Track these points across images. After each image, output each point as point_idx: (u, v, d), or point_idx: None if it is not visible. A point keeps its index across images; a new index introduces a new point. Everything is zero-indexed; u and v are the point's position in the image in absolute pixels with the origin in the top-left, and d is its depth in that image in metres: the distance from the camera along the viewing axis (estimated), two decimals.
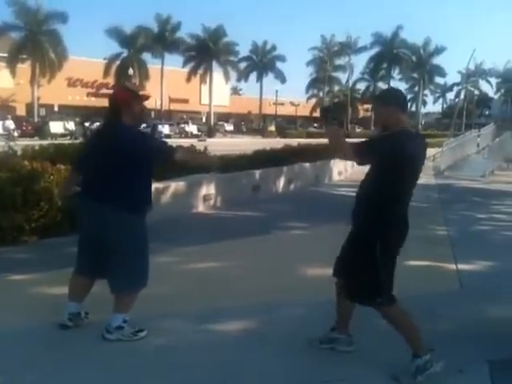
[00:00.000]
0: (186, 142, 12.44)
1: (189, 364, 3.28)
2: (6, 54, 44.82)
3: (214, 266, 5.43)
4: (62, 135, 34.85)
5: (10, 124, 33.36)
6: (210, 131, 49.88)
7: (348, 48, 69.33)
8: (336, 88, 75.17)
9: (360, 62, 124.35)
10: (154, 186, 7.56)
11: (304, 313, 4.17)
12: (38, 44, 44.38)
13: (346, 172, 15.08)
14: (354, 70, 72.25)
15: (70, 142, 11.08)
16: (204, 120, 60.54)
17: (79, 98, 55.35)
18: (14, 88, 47.76)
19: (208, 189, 8.87)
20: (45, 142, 9.48)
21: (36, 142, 10.64)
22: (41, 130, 36.25)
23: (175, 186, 8.03)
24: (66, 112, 47.80)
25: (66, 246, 5.87)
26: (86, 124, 37.60)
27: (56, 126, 36.91)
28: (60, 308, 3.82)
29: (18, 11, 44.29)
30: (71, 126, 37.67)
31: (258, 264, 5.46)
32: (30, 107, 47.20)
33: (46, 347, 3.45)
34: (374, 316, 3.28)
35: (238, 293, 4.54)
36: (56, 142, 9.81)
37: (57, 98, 51.23)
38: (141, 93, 3.61)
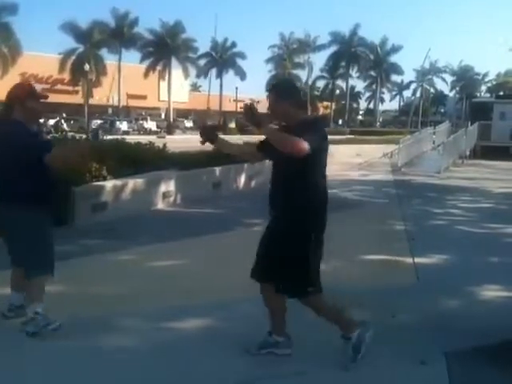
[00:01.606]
0: (144, 139, 12.25)
1: (145, 363, 3.22)
2: None
3: (173, 264, 5.36)
4: None
5: None
6: (169, 128, 49.34)
7: (307, 46, 69.92)
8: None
9: (319, 60, 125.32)
10: (113, 182, 7.53)
11: (262, 311, 4.13)
12: None
13: None
14: (314, 67, 72.85)
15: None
16: (163, 116, 59.88)
17: None
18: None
19: (167, 186, 8.76)
20: None
21: None
22: None
23: (134, 183, 7.90)
24: None
25: None
26: (41, 120, 36.73)
27: None
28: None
29: None
30: None
31: (218, 261, 5.41)
32: None
33: None
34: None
35: (197, 291, 4.48)
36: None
37: None
38: (37, 91, 3.66)
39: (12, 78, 47.05)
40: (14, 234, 3.63)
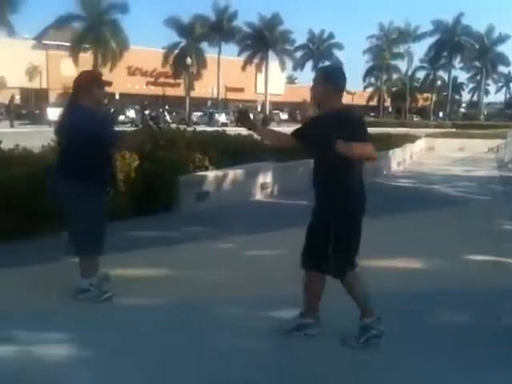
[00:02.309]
0: (241, 131, 12.49)
1: (239, 347, 3.34)
2: (69, 44, 46.40)
3: (271, 253, 5.44)
4: (123, 122, 35.77)
5: None
6: (265, 120, 49.81)
7: (407, 35, 67.51)
8: (394, 76, 73.47)
9: (419, 50, 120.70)
10: (215, 173, 7.80)
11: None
12: (99, 34, 45.60)
13: (404, 163, 14.78)
14: (414, 58, 70.23)
15: (132, 128, 11.35)
16: (259, 109, 60.59)
17: (139, 86, 56.64)
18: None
19: (265, 177, 8.92)
20: None
21: None
22: None
23: (234, 173, 8.13)
24: (127, 100, 48.99)
25: (129, 229, 6.13)
26: (146, 112, 38.56)
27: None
28: (120, 290, 4.10)
29: (81, 2, 45.62)
30: (132, 113, 38.57)
31: None
32: None
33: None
34: None
35: (295, 281, 4.52)
36: (124, 129, 10.05)
37: (118, 86, 52.44)
38: (101, 78, 3.98)
39: (120, 72, 49.95)
40: (69, 210, 3.94)
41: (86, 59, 46.36)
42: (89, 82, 3.85)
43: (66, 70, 49.65)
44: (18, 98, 35.69)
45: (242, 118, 3.39)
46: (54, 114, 35.01)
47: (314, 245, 3.41)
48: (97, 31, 45.36)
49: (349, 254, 3.33)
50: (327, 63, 65.46)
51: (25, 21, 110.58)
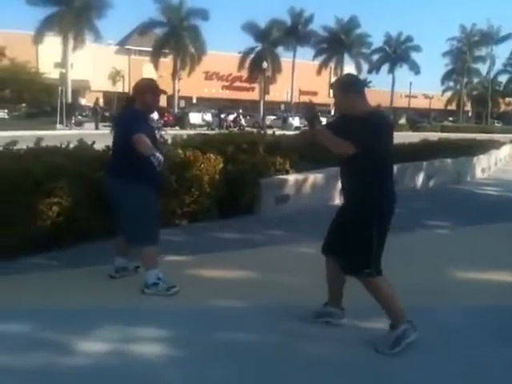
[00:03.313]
0: None
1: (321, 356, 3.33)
2: (150, 49, 48.13)
3: None
4: (200, 126, 36.63)
5: (155, 115, 35.59)
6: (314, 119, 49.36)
7: (489, 38, 64.72)
8: (475, 80, 70.67)
9: (502, 52, 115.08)
10: (295, 176, 7.82)
11: (453, 317, 4.01)
12: (179, 39, 46.99)
13: (489, 170, 14.16)
14: (496, 61, 67.19)
15: (210, 132, 11.64)
16: (332, 113, 60.09)
17: (215, 90, 57.87)
18: (157, 81, 51.00)
19: None
20: (186, 132, 10.02)
21: (178, 132, 11.33)
22: (181, 121, 38.37)
23: (313, 177, 8.11)
24: (203, 104, 50.14)
25: (213, 230, 6.26)
26: (222, 115, 39.30)
27: (195, 117, 38.83)
28: (205, 291, 4.23)
29: (163, 8, 47.21)
30: (208, 117, 39.42)
31: (400, 262, 5.32)
32: (170, 99, 50.18)
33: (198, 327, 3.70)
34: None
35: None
36: (201, 131, 10.33)
37: (195, 90, 54.02)
38: (157, 86, 4.23)
39: (197, 76, 51.28)
40: (121, 207, 4.17)
41: (166, 64, 47.94)
42: (144, 89, 4.16)
43: (147, 74, 51.62)
44: (101, 101, 37.35)
45: (310, 110, 3.41)
46: None
47: (334, 232, 3.52)
48: (177, 37, 46.79)
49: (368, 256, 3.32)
50: (404, 66, 64.11)
51: (109, 27, 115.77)
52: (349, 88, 3.34)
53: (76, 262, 4.75)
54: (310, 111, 3.41)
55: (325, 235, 3.61)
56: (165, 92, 4.43)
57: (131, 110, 4.18)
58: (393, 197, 3.39)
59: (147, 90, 4.17)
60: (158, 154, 3.82)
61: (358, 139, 3.09)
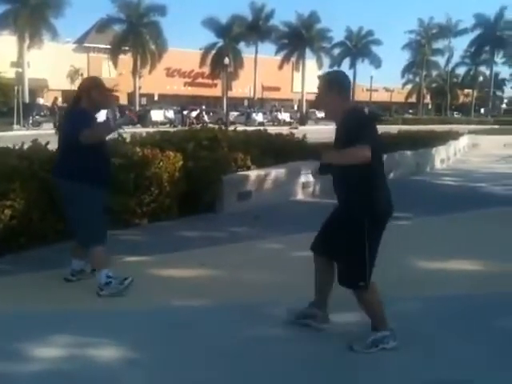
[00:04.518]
0: (278, 130, 12.45)
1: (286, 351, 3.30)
2: (109, 46, 47.29)
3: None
4: (162, 123, 36.21)
5: (115, 112, 35.02)
6: (301, 119, 49.69)
7: (447, 31, 66.11)
8: (434, 73, 72.10)
9: (460, 45, 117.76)
10: (256, 172, 7.79)
11: (419, 308, 4.04)
12: (138, 36, 46.31)
13: (448, 160, 14.44)
14: (454, 53, 68.74)
15: (171, 129, 11.47)
16: (296, 107, 60.37)
17: (177, 87, 57.33)
18: (116, 78, 50.29)
19: (307, 176, 8.83)
20: (147, 130, 9.87)
21: (139, 130, 11.14)
22: (143, 119, 37.84)
23: (275, 173, 8.09)
24: (165, 101, 49.62)
25: (174, 229, 6.18)
26: (185, 112, 38.96)
27: (157, 115, 38.36)
28: (166, 291, 4.14)
29: (120, 5, 46.41)
30: (170, 114, 39.02)
31: None
32: (131, 96, 49.50)
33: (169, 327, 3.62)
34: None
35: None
36: (161, 129, 10.16)
37: (156, 87, 53.34)
38: (103, 84, 4.19)
39: (158, 73, 50.66)
40: (67, 208, 4.17)
41: (126, 61, 47.20)
42: (89, 87, 4.12)
43: (107, 72, 50.72)
44: (60, 100, 36.55)
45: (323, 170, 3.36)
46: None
47: (327, 233, 3.43)
48: (136, 34, 46.09)
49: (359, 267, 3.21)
50: (365, 60, 64.89)
51: (67, 25, 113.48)
52: (334, 87, 3.27)
53: (31, 266, 4.59)
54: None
55: (316, 233, 3.53)
56: (111, 90, 4.37)
57: (76, 110, 4.10)
58: (386, 202, 3.24)
59: (92, 87, 4.13)
60: (116, 123, 3.91)
61: (363, 140, 2.98)
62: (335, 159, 3.16)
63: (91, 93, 4.06)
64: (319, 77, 3.45)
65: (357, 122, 3.15)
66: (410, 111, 70.08)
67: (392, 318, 3.56)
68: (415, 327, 3.65)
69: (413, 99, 71.57)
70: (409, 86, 71.59)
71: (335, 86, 3.27)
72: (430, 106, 76.61)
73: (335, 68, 65.68)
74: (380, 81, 61.97)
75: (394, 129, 15.07)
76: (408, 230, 6.60)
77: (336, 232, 3.29)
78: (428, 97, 74.86)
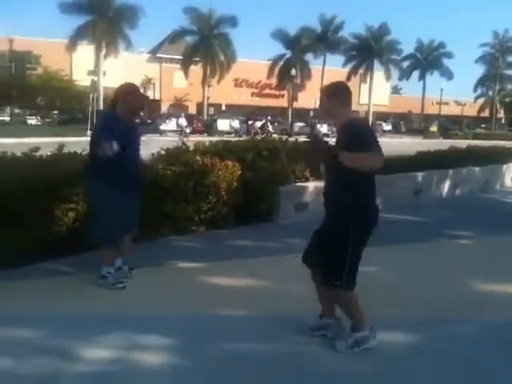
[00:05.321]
0: None
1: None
2: (180, 57, 48.67)
3: (374, 271, 5.13)
4: (228, 132, 36.82)
5: (183, 121, 35.98)
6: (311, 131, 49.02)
7: None
8: (508, 86, 69.19)
9: None
10: (314, 184, 7.70)
11: (473, 332, 3.87)
12: (209, 47, 47.42)
13: None
14: None
15: (236, 138, 11.62)
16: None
17: (244, 97, 58.14)
18: (187, 88, 51.70)
19: None
20: (212, 139, 10.03)
21: (205, 139, 11.36)
22: (209, 128, 38.66)
23: None
24: (232, 111, 50.43)
25: (229, 238, 6.23)
26: (250, 122, 39.43)
27: (223, 124, 39.14)
28: (221, 298, 4.18)
29: (193, 17, 47.72)
30: (236, 124, 39.61)
31: (422, 273, 5.19)
32: (200, 106, 50.69)
33: (204, 335, 3.65)
34: None
35: (401, 303, 4.30)
36: (228, 138, 10.30)
37: (224, 97, 54.39)
38: (138, 91, 4.38)
39: (227, 83, 51.60)
40: (89, 203, 4.54)
41: (196, 72, 48.40)
42: (125, 92, 4.26)
43: (178, 82, 52.26)
44: None
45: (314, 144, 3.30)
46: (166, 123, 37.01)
47: (314, 242, 3.46)
48: (207, 45, 47.22)
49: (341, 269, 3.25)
50: (435, 73, 63.21)
51: (141, 35, 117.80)
52: (334, 95, 3.36)
53: (91, 267, 4.74)
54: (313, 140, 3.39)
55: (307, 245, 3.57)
56: (146, 97, 4.58)
57: (106, 115, 4.37)
58: (375, 209, 3.33)
59: (128, 92, 4.28)
60: (111, 146, 3.90)
61: (346, 148, 3.08)
62: (350, 160, 3.10)
63: (127, 98, 4.23)
64: (321, 89, 3.54)
65: (362, 132, 3.23)
66: (483, 126, 67.49)
67: (443, 341, 3.45)
68: (465, 351, 3.50)
69: (485, 113, 68.96)
70: (481, 100, 69.07)
71: (337, 94, 3.36)
72: (503, 121, 73.49)
73: (403, 80, 64.66)
74: (451, 94, 60.24)
75: (462, 143, 14.56)
76: (470, 250, 6.36)
77: (323, 241, 3.35)
78: (501, 111, 71.87)
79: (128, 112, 4.27)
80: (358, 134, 3.19)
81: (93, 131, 4.36)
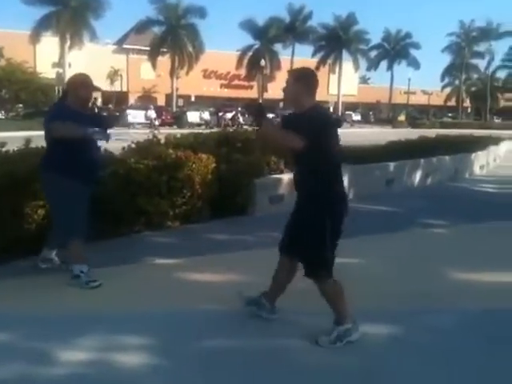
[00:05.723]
0: None
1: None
2: (147, 48, 47.97)
3: (349, 262, 5.13)
4: (198, 124, 36.52)
5: (152, 113, 35.48)
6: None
7: (488, 34, 64.54)
8: (474, 76, 70.50)
9: (501, 49, 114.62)
10: (289, 175, 7.63)
11: (452, 321, 3.89)
12: (177, 38, 46.83)
13: (488, 166, 14.05)
14: (495, 57, 67.00)
15: (207, 131, 11.51)
16: (331, 110, 60.00)
17: (213, 89, 57.75)
18: (155, 79, 51.03)
19: None
20: (183, 131, 9.91)
21: (175, 131, 11.20)
22: (179, 120, 38.25)
23: None
24: (202, 102, 50.03)
25: (205, 232, 6.15)
26: (220, 113, 39.19)
27: (193, 116, 38.73)
28: (198, 294, 4.09)
29: (160, 7, 47.02)
30: (206, 115, 39.31)
31: (398, 264, 5.21)
32: (169, 98, 50.08)
33: (188, 332, 3.59)
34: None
35: (378, 294, 4.28)
36: (198, 130, 10.18)
37: (193, 89, 53.90)
38: (89, 82, 4.25)
39: (195, 75, 51.14)
40: (46, 199, 4.40)
41: (164, 63, 47.78)
42: (76, 84, 4.21)
43: (146, 73, 51.52)
44: (99, 100, 37.28)
45: (257, 110, 3.36)
46: (134, 115, 36.39)
47: (289, 230, 3.47)
48: (174, 35, 46.62)
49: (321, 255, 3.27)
50: (403, 62, 63.95)
51: (107, 26, 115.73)
52: (301, 78, 3.35)
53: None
54: (252, 108, 3.44)
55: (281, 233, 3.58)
56: (98, 88, 4.47)
57: (56, 105, 4.36)
58: (341, 195, 3.33)
59: (78, 83, 4.22)
60: (89, 130, 3.89)
61: (306, 134, 3.08)
62: (271, 132, 3.34)
63: (78, 90, 4.17)
64: (289, 71, 3.50)
65: (321, 122, 3.22)
66: (449, 115, 68.71)
67: (423, 331, 3.46)
68: (445, 341, 3.53)
69: (452, 103, 70.20)
70: (448, 90, 70.23)
71: (302, 79, 3.34)
72: (469, 110, 74.98)
73: (372, 70, 65.32)
74: (418, 83, 61.07)
75: (431, 133, 14.76)
76: (443, 239, 6.43)
77: (298, 230, 3.35)
78: (468, 100, 73.27)
79: (77, 103, 4.20)
80: (325, 120, 3.28)
81: (44, 121, 4.16)
